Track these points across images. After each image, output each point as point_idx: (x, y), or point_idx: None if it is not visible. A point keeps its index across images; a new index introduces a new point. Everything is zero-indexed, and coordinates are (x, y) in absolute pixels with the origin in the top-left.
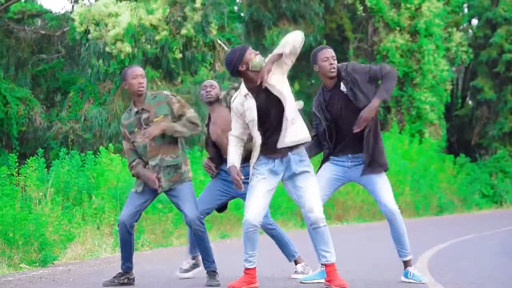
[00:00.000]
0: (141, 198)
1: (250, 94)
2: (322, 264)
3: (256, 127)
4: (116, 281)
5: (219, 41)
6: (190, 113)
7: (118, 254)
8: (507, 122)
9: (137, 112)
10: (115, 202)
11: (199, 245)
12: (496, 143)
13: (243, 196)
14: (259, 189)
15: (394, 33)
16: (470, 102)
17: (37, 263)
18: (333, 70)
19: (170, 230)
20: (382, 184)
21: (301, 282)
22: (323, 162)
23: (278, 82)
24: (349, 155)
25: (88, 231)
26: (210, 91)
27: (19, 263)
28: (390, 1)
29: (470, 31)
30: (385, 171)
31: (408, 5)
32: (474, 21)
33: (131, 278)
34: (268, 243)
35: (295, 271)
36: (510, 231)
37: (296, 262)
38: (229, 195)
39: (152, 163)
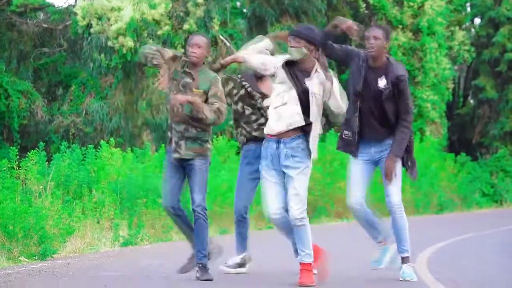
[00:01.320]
0: (173, 178)
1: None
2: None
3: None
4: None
5: (221, 37)
6: (222, 105)
7: (117, 248)
8: (508, 121)
9: (184, 72)
10: (115, 196)
11: (198, 234)
12: (497, 142)
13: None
14: (269, 182)
15: (397, 31)
16: (471, 101)
17: (37, 256)
18: (371, 50)
19: (170, 225)
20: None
21: (374, 269)
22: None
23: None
24: (372, 142)
25: (88, 225)
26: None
27: (19, 256)
28: None
29: (473, 30)
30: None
31: (411, 3)
32: (477, 20)
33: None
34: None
35: None
36: (510, 230)
37: None
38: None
39: (177, 128)
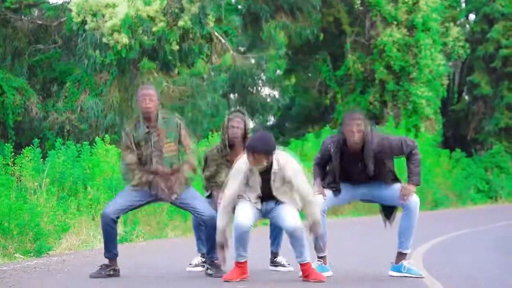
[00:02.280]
0: (135, 196)
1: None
2: (318, 260)
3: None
4: (103, 273)
5: (216, 33)
6: (192, 145)
7: None
8: (503, 117)
9: (147, 132)
10: (111, 193)
11: (211, 236)
12: (491, 138)
13: None
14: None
15: (391, 27)
16: (466, 97)
17: (32, 253)
18: (356, 144)
19: (165, 222)
20: (395, 185)
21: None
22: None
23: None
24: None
25: (83, 221)
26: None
27: (14, 253)
28: None
29: (467, 26)
30: None
31: (406, 0)
32: (472, 16)
33: (116, 269)
34: (261, 235)
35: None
36: (505, 226)
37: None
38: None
39: (160, 178)
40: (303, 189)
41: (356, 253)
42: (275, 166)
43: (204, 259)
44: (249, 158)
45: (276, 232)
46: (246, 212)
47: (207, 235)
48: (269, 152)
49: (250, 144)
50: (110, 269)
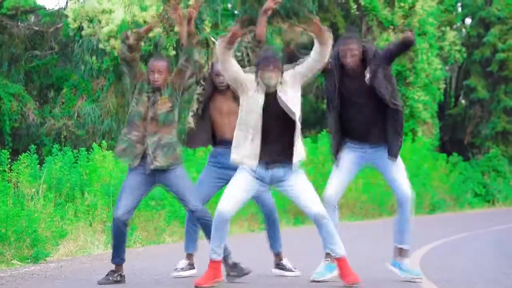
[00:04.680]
0: (136, 189)
1: (262, 89)
2: (326, 258)
3: (259, 121)
4: (110, 279)
5: (212, 39)
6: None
7: (110, 251)
8: (500, 121)
9: (152, 91)
10: (108, 199)
11: (209, 234)
12: (489, 142)
13: None
14: (242, 182)
15: (388, 31)
16: (463, 101)
17: (29, 260)
18: (348, 66)
19: (162, 227)
20: (399, 171)
21: (313, 281)
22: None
23: (293, 99)
24: (366, 144)
25: (81, 227)
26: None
27: (11, 259)
28: (384, 0)
29: (464, 30)
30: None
31: (402, 4)
32: (468, 20)
33: (122, 275)
34: (259, 241)
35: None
36: (502, 230)
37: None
38: (225, 180)
39: (150, 140)
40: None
41: (354, 257)
42: (279, 87)
43: (189, 261)
44: (268, 73)
45: (272, 230)
46: (231, 198)
47: (205, 231)
48: (282, 69)
49: (268, 57)
50: (117, 275)
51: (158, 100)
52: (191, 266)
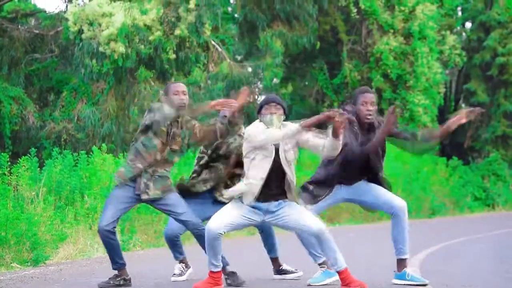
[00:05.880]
0: (122, 202)
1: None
2: (321, 266)
3: (261, 173)
4: (111, 282)
5: (212, 42)
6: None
7: None
8: (500, 125)
9: (170, 123)
10: None
11: (203, 244)
12: (488, 146)
13: None
14: (235, 207)
15: (388, 35)
16: (463, 105)
17: (29, 263)
18: (369, 116)
19: (162, 230)
20: (380, 189)
21: (309, 285)
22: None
23: (292, 156)
24: (342, 185)
25: (80, 231)
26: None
27: (11, 263)
28: (384, 4)
29: (464, 34)
30: None
31: (402, 8)
32: (468, 24)
33: (127, 279)
34: (259, 244)
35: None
36: (502, 234)
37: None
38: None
39: (148, 169)
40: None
41: (353, 261)
42: None
43: (184, 264)
44: (271, 110)
45: (266, 238)
46: (222, 217)
47: (200, 243)
48: (285, 110)
49: (272, 97)
50: (120, 279)
51: (176, 136)
52: (187, 267)
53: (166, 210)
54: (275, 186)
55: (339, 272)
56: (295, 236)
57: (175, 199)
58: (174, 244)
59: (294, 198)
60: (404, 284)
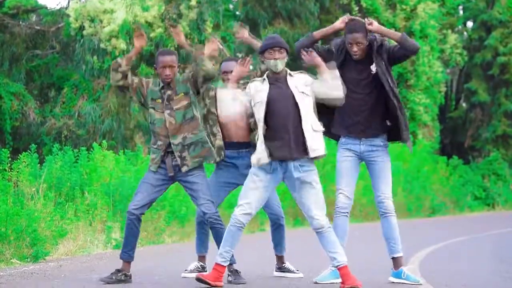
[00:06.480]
0: (153, 186)
1: (268, 79)
2: (331, 266)
3: (263, 113)
4: (113, 278)
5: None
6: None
7: (109, 250)
8: (500, 125)
9: (162, 87)
10: (108, 198)
11: (219, 240)
12: (489, 146)
13: None
14: (256, 183)
15: None
16: (464, 104)
17: (29, 259)
18: (354, 56)
19: (162, 227)
20: (385, 175)
21: (315, 283)
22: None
23: (304, 87)
24: (363, 138)
25: (80, 227)
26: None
27: (11, 258)
28: (386, 2)
29: (465, 33)
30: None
31: (404, 6)
32: (469, 23)
33: (128, 274)
34: (260, 242)
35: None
36: (502, 234)
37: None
38: (233, 185)
39: (174, 141)
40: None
41: (354, 260)
42: (289, 72)
43: (201, 263)
44: (274, 55)
45: (277, 236)
46: (249, 201)
47: (214, 235)
48: (288, 50)
49: (274, 41)
50: (121, 274)
51: (173, 97)
52: (203, 269)
53: (188, 193)
54: (288, 140)
55: (338, 268)
56: (302, 236)
57: (200, 184)
58: (201, 228)
59: (315, 155)
60: (399, 283)
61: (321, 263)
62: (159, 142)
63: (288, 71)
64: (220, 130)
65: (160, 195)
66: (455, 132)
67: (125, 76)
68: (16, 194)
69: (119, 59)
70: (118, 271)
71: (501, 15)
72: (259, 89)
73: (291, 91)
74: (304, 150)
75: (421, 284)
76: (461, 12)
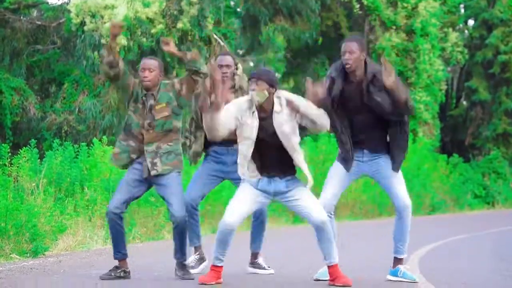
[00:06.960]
0: (131, 186)
1: (257, 113)
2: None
3: (251, 148)
4: (112, 274)
5: (215, 36)
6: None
7: (109, 246)
8: (501, 123)
9: (145, 95)
10: (108, 194)
11: (180, 236)
12: (489, 144)
13: (235, 181)
14: (247, 194)
15: (390, 32)
16: (464, 103)
17: (28, 254)
18: (347, 66)
19: (162, 223)
20: (398, 179)
21: (316, 280)
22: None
23: (289, 122)
24: (365, 151)
25: (80, 222)
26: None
27: (10, 254)
28: (387, 0)
29: (466, 31)
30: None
31: (405, 4)
32: (470, 22)
33: (127, 271)
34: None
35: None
36: (502, 232)
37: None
38: (220, 178)
39: (148, 148)
40: (311, 108)
41: (353, 257)
42: (277, 106)
43: (198, 255)
44: (251, 86)
45: (257, 231)
46: (236, 211)
47: (174, 234)
48: (272, 83)
49: (254, 72)
50: (120, 271)
51: (154, 106)
52: (201, 259)
53: (160, 193)
54: (275, 161)
55: (329, 266)
56: (301, 233)
57: (173, 185)
58: (191, 218)
59: (303, 175)
60: (396, 280)
61: (321, 260)
62: (131, 143)
63: (275, 107)
64: (203, 135)
65: (141, 194)
66: (455, 130)
67: (113, 67)
68: (16, 189)
69: (102, 51)
70: (117, 267)
71: (502, 13)
72: (249, 122)
73: (277, 134)
74: (293, 168)
75: (417, 282)
76: (462, 10)
